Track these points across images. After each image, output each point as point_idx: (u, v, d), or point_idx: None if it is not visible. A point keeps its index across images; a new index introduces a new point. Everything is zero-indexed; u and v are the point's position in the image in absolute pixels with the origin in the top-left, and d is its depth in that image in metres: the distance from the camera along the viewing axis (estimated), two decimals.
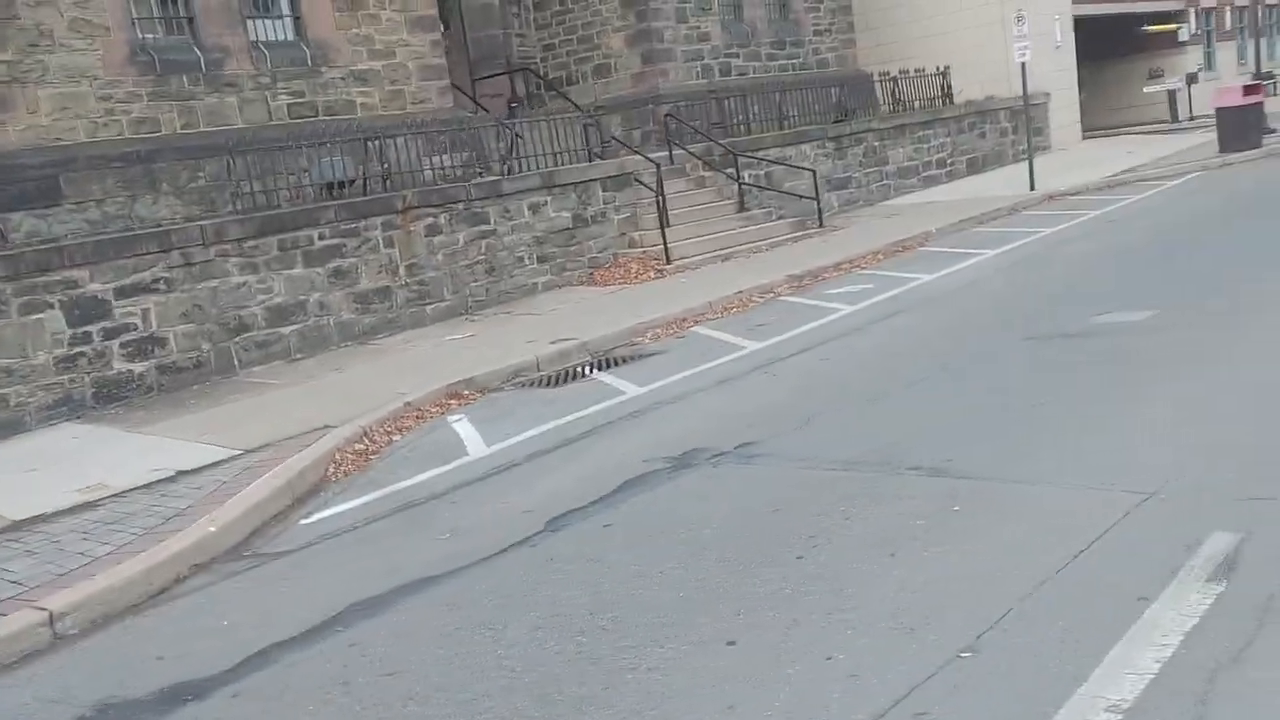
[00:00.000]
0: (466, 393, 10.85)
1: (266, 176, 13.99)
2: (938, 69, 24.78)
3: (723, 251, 17.14)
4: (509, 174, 16.27)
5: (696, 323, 12.93)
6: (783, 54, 23.65)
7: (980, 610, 4.43)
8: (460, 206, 15.11)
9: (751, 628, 4.66)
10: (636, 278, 16.11)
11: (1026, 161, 25.52)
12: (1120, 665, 3.86)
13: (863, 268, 15.23)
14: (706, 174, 19.01)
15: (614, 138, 18.28)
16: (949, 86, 24.72)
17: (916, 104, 24.09)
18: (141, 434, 10.43)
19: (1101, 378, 7.86)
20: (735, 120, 20.59)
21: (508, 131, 17.24)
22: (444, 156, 16.77)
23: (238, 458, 8.98)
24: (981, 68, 27.31)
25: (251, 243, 12.99)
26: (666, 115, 19.36)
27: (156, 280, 12.22)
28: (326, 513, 7.60)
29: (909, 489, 6.09)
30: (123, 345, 11.95)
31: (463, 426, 9.55)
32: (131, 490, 8.34)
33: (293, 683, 4.85)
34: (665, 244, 16.51)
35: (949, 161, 24.21)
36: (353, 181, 14.71)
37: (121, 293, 11.95)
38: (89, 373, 11.69)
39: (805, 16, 24.23)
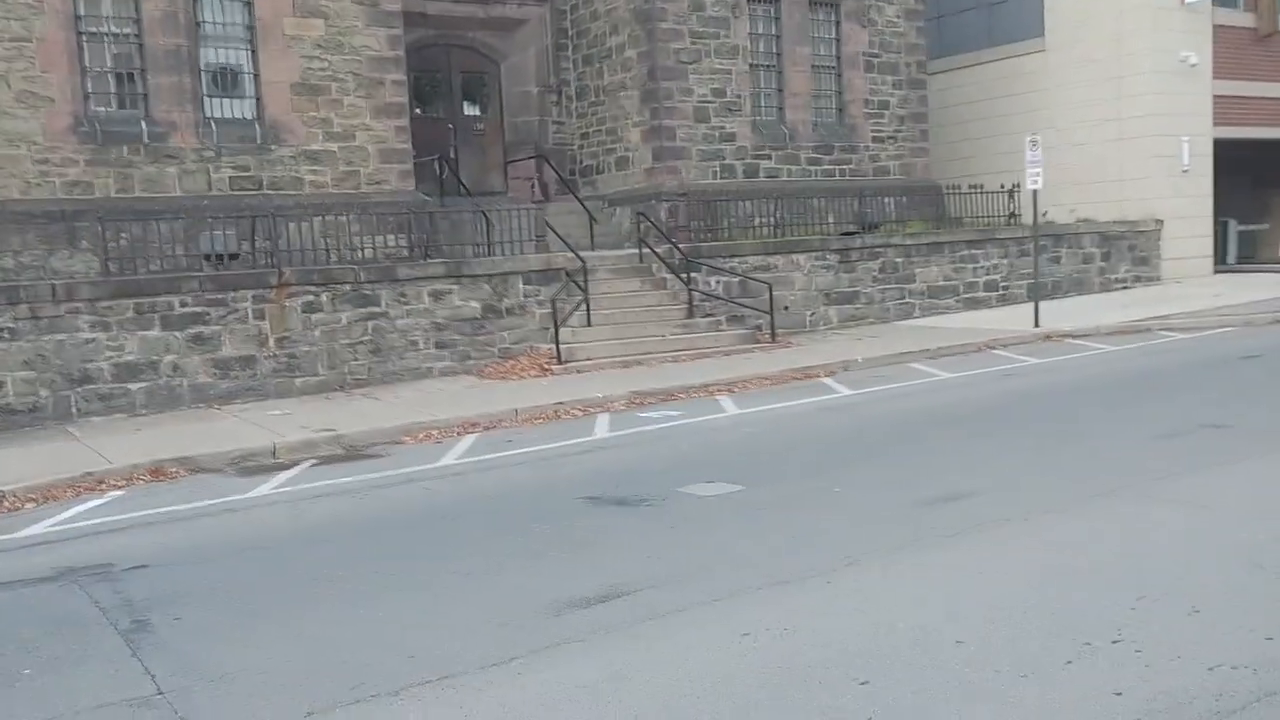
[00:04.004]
0: (173, 470, 11.33)
1: (152, 245, 15.16)
2: (1003, 186, 23.08)
3: (638, 357, 16.78)
4: (416, 259, 16.72)
5: (472, 430, 12.82)
6: (829, 159, 22.84)
7: None
8: (347, 287, 15.69)
9: None
10: (519, 374, 16.09)
11: (1116, 291, 23.58)
12: None
13: (730, 391, 14.52)
14: (668, 276, 18.67)
15: (553, 230, 18.32)
16: (1016, 205, 22.93)
17: (966, 221, 22.57)
18: None
19: (486, 566, 7.29)
20: (723, 224, 20.13)
21: (451, 217, 17.77)
22: (389, 237, 17.54)
23: None
24: (1092, 189, 25.23)
25: (105, 303, 14.12)
26: (639, 214, 19.23)
27: (1, 329, 13.55)
28: None
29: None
30: None
31: (87, 504, 10.01)
32: None
33: None
34: (558, 344, 16.40)
35: (1003, 285, 22.42)
36: (235, 256, 15.65)
37: None
38: None
39: (864, 123, 23.30)
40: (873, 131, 23.46)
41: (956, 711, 4.55)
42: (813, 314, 20.03)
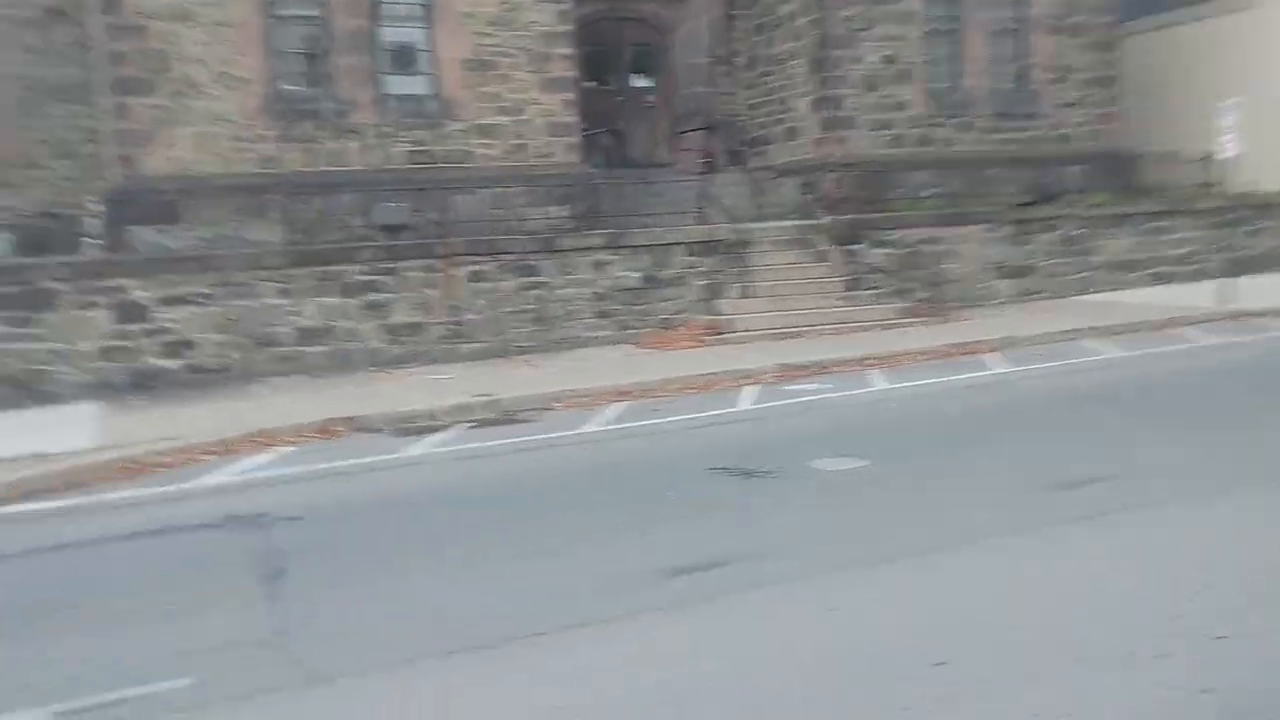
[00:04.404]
0: (339, 429, 12.08)
1: (332, 217, 16.07)
2: (1200, 154, 21.64)
3: (795, 329, 16.70)
4: (579, 231, 17.12)
5: (622, 398, 13.09)
6: (1009, 126, 21.95)
7: None
8: (511, 257, 16.22)
9: None
10: (676, 344, 16.26)
11: None
12: None
13: (884, 366, 14.30)
14: (830, 248, 18.45)
15: (716, 202, 18.33)
16: (1215, 174, 21.48)
17: (1158, 192, 21.34)
18: (96, 419, 12.77)
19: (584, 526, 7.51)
20: (891, 195, 19.70)
21: (617, 189, 18.11)
22: (554, 209, 18.06)
23: (87, 451, 10.96)
24: None
25: (289, 271, 15.08)
26: (804, 184, 19.07)
27: (196, 294, 14.68)
28: (26, 507, 9.25)
29: None
30: (159, 344, 14.53)
31: (259, 457, 10.80)
32: None
33: None
34: (715, 315, 16.50)
35: (1197, 259, 21.08)
36: (407, 226, 16.39)
37: (163, 301, 14.53)
38: (126, 363, 14.38)
39: (1048, 88, 22.27)
40: (1057, 97, 22.40)
41: (1022, 696, 4.48)
42: (982, 288, 19.39)
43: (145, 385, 14.41)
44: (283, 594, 6.38)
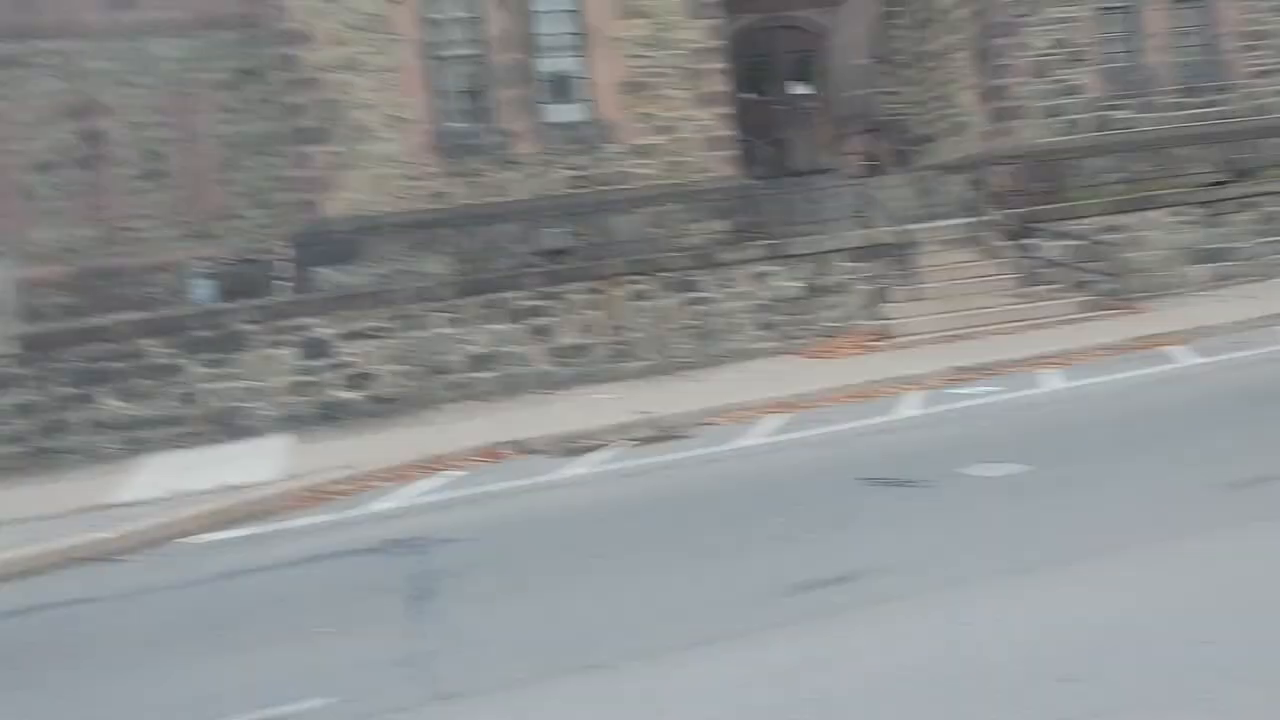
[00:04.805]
0: (505, 452, 12.45)
1: (498, 246, 16.59)
2: None
3: (965, 331, 16.16)
4: (738, 244, 17.09)
5: (780, 410, 12.98)
6: (1196, 101, 20.62)
7: None
8: (671, 274, 16.35)
9: None
10: (840, 353, 16.00)
11: None
12: None
13: (1060, 364, 13.70)
14: (1002, 244, 17.77)
15: (878, 204, 17.92)
16: None
17: None
18: (284, 450, 13.60)
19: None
20: (1066, 184, 18.82)
21: (776, 199, 18.02)
22: (713, 223, 18.15)
23: (272, 483, 11.70)
24: None
25: (458, 301, 15.67)
26: (972, 180, 18.46)
27: (373, 329, 15.43)
28: (217, 536, 9.94)
29: None
30: (342, 378, 15.35)
31: (427, 482, 11.24)
32: (173, 497, 11.41)
33: None
34: (881, 320, 16.16)
35: None
36: (568, 250, 16.75)
37: (344, 336, 15.34)
38: (312, 396, 15.25)
39: (1240, 56, 20.80)
40: (1250, 65, 20.89)
41: (1153, 716, 4.19)
42: (1172, 276, 18.26)
43: (331, 417, 15.23)
44: (427, 614, 6.63)
